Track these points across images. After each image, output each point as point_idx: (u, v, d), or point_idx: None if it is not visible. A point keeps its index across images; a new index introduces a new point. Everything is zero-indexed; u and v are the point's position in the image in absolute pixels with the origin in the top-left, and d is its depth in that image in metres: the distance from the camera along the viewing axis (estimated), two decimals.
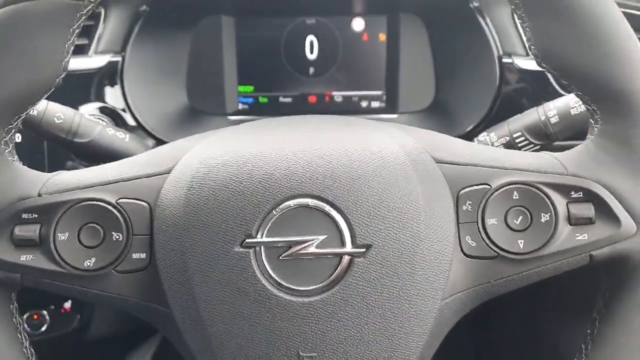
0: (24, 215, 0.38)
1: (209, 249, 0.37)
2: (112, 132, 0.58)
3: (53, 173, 0.41)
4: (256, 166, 0.38)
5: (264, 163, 0.38)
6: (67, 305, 0.78)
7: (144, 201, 0.40)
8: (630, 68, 0.37)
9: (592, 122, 0.40)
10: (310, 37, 0.83)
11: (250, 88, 0.85)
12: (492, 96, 0.75)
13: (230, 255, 0.37)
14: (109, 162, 0.58)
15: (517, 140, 0.58)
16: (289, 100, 0.85)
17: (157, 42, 0.76)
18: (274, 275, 0.37)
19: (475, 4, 0.71)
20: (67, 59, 0.38)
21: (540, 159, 0.41)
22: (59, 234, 0.38)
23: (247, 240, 0.37)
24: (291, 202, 0.37)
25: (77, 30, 0.38)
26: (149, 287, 0.39)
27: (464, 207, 0.40)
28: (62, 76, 0.38)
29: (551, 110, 0.56)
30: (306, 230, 0.37)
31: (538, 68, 0.72)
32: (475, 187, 0.40)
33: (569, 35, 0.37)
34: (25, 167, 0.41)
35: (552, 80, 0.72)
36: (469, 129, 0.77)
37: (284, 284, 0.37)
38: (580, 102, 0.54)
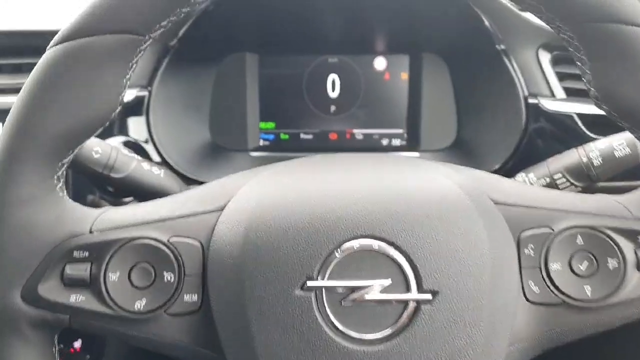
0: (76, 253, 0.37)
1: (268, 291, 0.35)
2: (147, 168, 0.57)
3: (102, 209, 0.40)
4: (317, 205, 0.37)
5: (324, 202, 0.37)
6: (77, 344, 0.74)
7: (196, 239, 0.38)
8: None
9: None
10: (333, 76, 0.83)
11: (271, 124, 0.84)
12: (517, 136, 0.75)
13: (290, 299, 0.35)
14: (144, 197, 0.57)
15: (558, 182, 0.57)
16: (309, 137, 0.85)
17: (183, 77, 0.76)
18: (335, 322, 0.35)
19: (502, 47, 0.72)
20: (123, 94, 0.37)
21: (602, 201, 0.40)
22: (110, 274, 0.36)
23: (308, 283, 0.35)
24: (354, 244, 0.35)
25: (135, 65, 0.37)
26: (201, 331, 0.37)
27: (526, 251, 0.38)
28: (118, 110, 0.38)
29: (593, 151, 0.56)
30: (369, 274, 0.35)
31: (563, 109, 0.75)
32: (537, 230, 0.39)
33: (633, 78, 0.37)
34: (76, 202, 0.39)
35: (578, 121, 0.73)
36: (493, 168, 0.77)
37: (347, 331, 0.35)
38: (625, 144, 0.53)
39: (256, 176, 0.42)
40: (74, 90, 0.35)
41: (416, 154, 0.84)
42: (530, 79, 0.75)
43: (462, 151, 0.82)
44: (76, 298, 0.36)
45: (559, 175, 0.57)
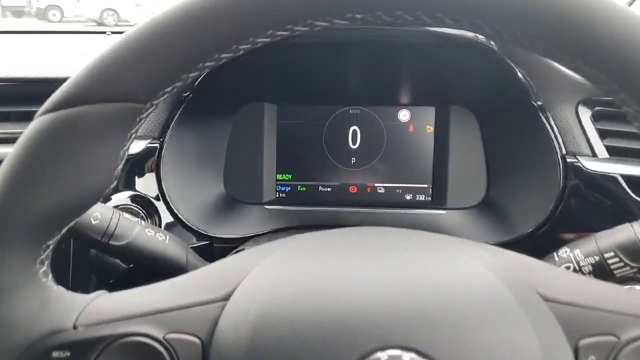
0: (55, 354, 0.32)
1: None
2: (151, 234, 0.53)
3: (93, 295, 0.35)
4: (337, 305, 0.32)
5: (345, 301, 0.32)
6: None
7: (195, 336, 0.33)
8: None
9: None
10: (354, 127, 0.79)
11: (288, 176, 0.80)
12: (553, 198, 0.69)
13: None
14: (145, 263, 0.53)
15: (609, 261, 0.50)
16: (328, 189, 0.81)
17: (197, 128, 0.73)
18: None
19: (539, 103, 0.67)
20: (120, 167, 0.33)
21: None
22: None
23: None
24: (381, 356, 0.30)
25: (134, 135, 0.33)
26: None
27: None
28: (113, 186, 0.34)
29: None
30: None
31: (606, 170, 0.68)
32: (600, 339, 0.32)
33: None
34: (61, 287, 0.35)
35: (623, 183, 0.66)
36: (525, 232, 0.70)
37: None
38: None
39: (265, 259, 0.38)
40: (63, 166, 0.31)
41: (442, 211, 0.78)
42: (569, 137, 0.69)
43: (491, 211, 0.76)
44: None
45: (612, 254, 0.51)
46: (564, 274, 0.37)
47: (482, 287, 0.33)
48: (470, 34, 0.61)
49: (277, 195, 0.81)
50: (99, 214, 0.50)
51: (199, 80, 0.69)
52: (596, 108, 0.70)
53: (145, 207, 0.68)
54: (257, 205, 0.79)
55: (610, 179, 0.67)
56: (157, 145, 0.69)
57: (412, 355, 0.30)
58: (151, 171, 0.69)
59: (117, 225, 0.51)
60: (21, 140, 0.32)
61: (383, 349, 0.30)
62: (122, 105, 0.31)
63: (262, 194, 0.79)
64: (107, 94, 0.31)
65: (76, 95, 0.31)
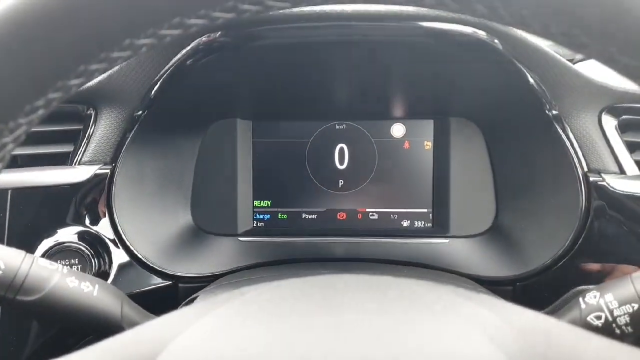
0: None
1: None
2: (74, 284, 0.43)
3: None
4: None
5: None
6: None
7: None
8: None
9: None
10: (340, 145, 0.69)
11: (266, 203, 0.70)
12: (574, 224, 0.58)
13: None
14: (67, 322, 0.43)
15: None
16: (313, 217, 0.70)
17: (156, 150, 0.63)
18: None
19: (554, 112, 0.56)
20: None
21: None
22: None
23: None
24: None
25: (1, 165, 0.25)
26: None
27: None
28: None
29: None
30: None
31: (637, 190, 0.58)
32: None
33: None
34: None
35: None
36: (541, 264, 0.59)
37: None
38: None
39: (189, 329, 0.28)
40: None
41: (444, 240, 0.67)
42: (591, 151, 0.58)
43: (500, 239, 0.65)
44: None
45: None
46: (589, 342, 0.27)
47: None
48: (468, 29, 0.51)
49: (254, 225, 0.71)
50: (1, 262, 0.40)
51: (154, 94, 0.59)
52: (623, 117, 0.59)
53: (93, 246, 0.58)
54: (230, 237, 0.69)
55: None
56: (107, 170, 0.59)
57: None
58: (101, 202, 0.59)
59: (26, 275, 0.41)
60: None
61: None
62: None
63: (236, 223, 0.69)
64: None
65: None
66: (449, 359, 0.24)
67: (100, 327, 0.43)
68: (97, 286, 0.44)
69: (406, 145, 0.69)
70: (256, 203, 0.70)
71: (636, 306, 0.41)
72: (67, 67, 0.24)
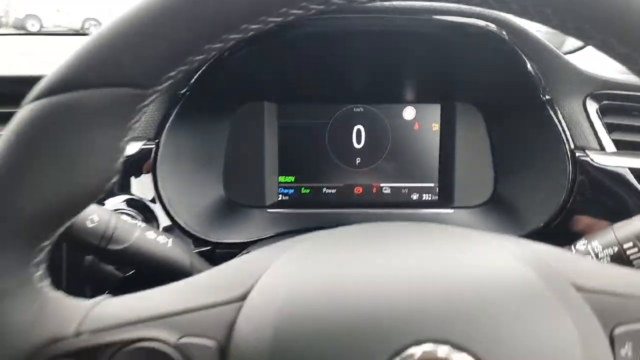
0: None
1: None
2: (152, 237, 0.50)
3: (95, 300, 0.33)
4: (364, 300, 0.29)
5: (373, 296, 0.30)
6: None
7: (212, 339, 0.31)
8: None
9: None
10: (358, 126, 0.77)
11: (291, 178, 0.78)
12: (562, 193, 0.67)
13: None
14: (148, 270, 0.50)
15: (628, 252, 0.49)
16: (332, 191, 0.78)
17: (193, 129, 0.70)
18: None
19: (547, 97, 0.66)
20: (120, 160, 0.30)
21: None
22: None
23: None
24: (415, 351, 0.28)
25: (135, 125, 0.31)
26: None
27: (623, 352, 0.30)
28: (114, 181, 0.31)
29: None
30: None
31: (614, 164, 0.68)
32: (635, 326, 0.31)
33: None
34: (59, 293, 0.32)
35: (631, 177, 0.65)
36: (536, 227, 0.69)
37: None
38: None
39: (283, 254, 0.35)
40: (58, 159, 0.28)
41: (449, 210, 0.76)
42: (577, 131, 0.68)
43: (499, 208, 0.75)
44: None
45: (630, 244, 0.49)
46: (593, 263, 0.36)
47: (514, 278, 0.31)
48: (481, 22, 0.60)
49: (279, 198, 0.78)
50: (95, 216, 0.47)
51: (195, 77, 0.66)
52: (603, 102, 0.69)
53: (142, 212, 0.65)
54: (259, 209, 0.76)
55: (619, 172, 0.66)
56: (152, 146, 0.66)
57: (447, 348, 0.28)
58: (147, 173, 0.66)
59: (115, 228, 0.48)
60: (9, 131, 0.28)
61: (417, 343, 0.28)
62: (122, 91, 0.28)
63: (264, 197, 0.76)
64: (104, 78, 0.28)
65: (70, 79, 0.28)
66: (484, 272, 0.31)
67: (174, 275, 0.50)
68: (170, 240, 0.51)
69: (416, 126, 0.77)
70: (281, 179, 0.78)
71: (616, 249, 0.51)
72: (198, 44, 0.30)
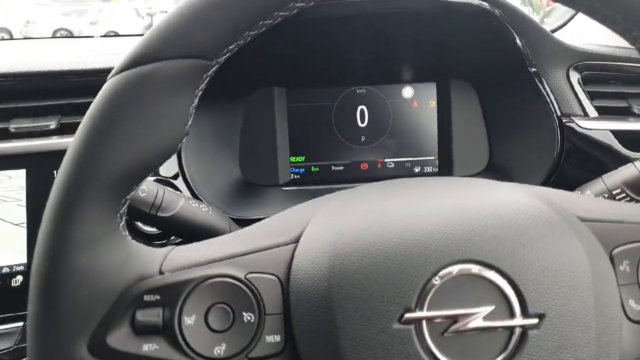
0: (146, 297, 0.34)
1: (363, 327, 0.32)
2: (195, 205, 0.55)
3: (167, 249, 0.37)
4: (405, 229, 0.35)
5: (412, 225, 0.35)
6: None
7: (273, 275, 0.36)
8: None
9: None
10: (361, 106, 0.83)
11: (301, 158, 0.83)
12: (552, 157, 0.74)
13: (388, 334, 0.32)
14: (191, 236, 0.55)
15: (617, 197, 0.56)
16: (340, 168, 0.84)
17: (213, 113, 0.75)
18: (439, 355, 0.32)
19: (534, 69, 0.73)
20: (189, 123, 0.35)
21: None
22: (185, 318, 0.34)
23: (407, 316, 0.32)
24: (453, 269, 0.33)
25: (201, 93, 0.36)
26: None
27: (622, 268, 0.37)
28: (184, 141, 0.36)
29: None
30: (471, 301, 0.33)
31: (598, 127, 0.75)
32: (630, 246, 0.37)
33: None
34: (138, 242, 0.37)
35: (614, 139, 0.72)
36: None
37: None
38: None
39: (326, 204, 0.40)
40: (141, 121, 0.33)
41: None
42: (563, 100, 0.75)
43: (496, 175, 0.81)
44: (149, 347, 0.33)
45: (618, 190, 0.56)
46: (591, 199, 0.42)
47: (534, 210, 0.37)
48: (475, 1, 0.66)
49: (291, 177, 0.83)
50: (145, 187, 0.52)
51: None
52: (585, 72, 0.76)
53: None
54: (273, 187, 0.81)
55: (602, 135, 0.73)
56: None
57: (480, 267, 0.33)
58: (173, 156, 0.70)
59: (163, 198, 0.53)
60: (100, 99, 0.33)
61: (453, 262, 0.33)
62: (194, 62, 0.33)
63: (277, 176, 0.81)
64: (181, 51, 0.33)
65: (151, 52, 0.33)
66: (504, 204, 0.37)
67: None
68: (210, 207, 0.56)
69: (415, 104, 0.83)
70: (292, 159, 0.83)
71: (606, 195, 0.58)
72: (254, 21, 0.34)
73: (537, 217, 0.36)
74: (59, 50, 0.93)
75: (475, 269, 0.33)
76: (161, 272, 0.35)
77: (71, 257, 0.33)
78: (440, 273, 0.33)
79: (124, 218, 0.36)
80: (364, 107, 0.83)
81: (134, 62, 0.33)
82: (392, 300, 0.33)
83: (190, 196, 0.71)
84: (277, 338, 0.34)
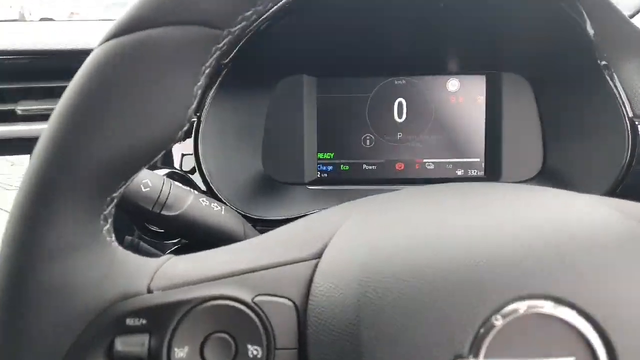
0: (129, 321, 0.27)
1: None
2: (205, 204, 0.48)
3: (162, 259, 0.31)
4: (458, 252, 0.27)
5: (468, 248, 0.27)
6: None
7: (287, 299, 0.28)
8: None
9: None
10: (399, 99, 0.74)
11: (330, 155, 0.75)
12: (620, 165, 0.64)
13: None
14: (200, 238, 0.48)
15: None
16: (373, 167, 0.76)
17: (234, 103, 0.68)
18: None
19: (604, 62, 0.62)
20: (194, 106, 0.28)
21: None
22: (175, 349, 0.27)
23: None
24: (519, 306, 0.25)
25: (209, 70, 0.29)
26: None
27: None
28: (186, 129, 0.29)
29: None
30: (542, 350, 0.25)
31: None
32: None
33: None
34: (127, 250, 0.30)
35: None
36: None
37: None
38: None
39: (357, 211, 0.33)
40: (132, 101, 0.26)
41: None
42: (636, 98, 0.64)
43: (550, 182, 0.71)
44: None
45: None
46: None
47: (620, 228, 0.28)
48: None
49: (318, 175, 0.76)
50: (149, 181, 0.45)
51: (235, 52, 0.64)
52: None
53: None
54: (298, 186, 0.74)
55: None
56: (194, 119, 0.64)
57: (555, 305, 0.25)
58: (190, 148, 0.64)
59: (169, 194, 0.46)
60: (81, 73, 0.27)
61: (521, 298, 0.25)
62: (197, 30, 0.27)
63: (303, 173, 0.74)
64: (180, 15, 0.26)
65: (145, 16, 0.26)
66: (579, 223, 0.29)
67: (229, 242, 0.48)
68: (223, 207, 0.49)
69: (460, 99, 0.74)
70: (320, 155, 0.75)
71: None
72: None
73: (631, 241, 0.27)
74: (80, 31, 0.88)
75: (549, 306, 0.25)
76: (149, 290, 0.28)
77: (41, 269, 0.26)
78: (503, 311, 0.25)
79: (109, 220, 0.29)
80: (403, 100, 0.74)
81: (126, 27, 0.26)
82: (439, 344, 0.25)
83: (205, 193, 0.64)
84: None
